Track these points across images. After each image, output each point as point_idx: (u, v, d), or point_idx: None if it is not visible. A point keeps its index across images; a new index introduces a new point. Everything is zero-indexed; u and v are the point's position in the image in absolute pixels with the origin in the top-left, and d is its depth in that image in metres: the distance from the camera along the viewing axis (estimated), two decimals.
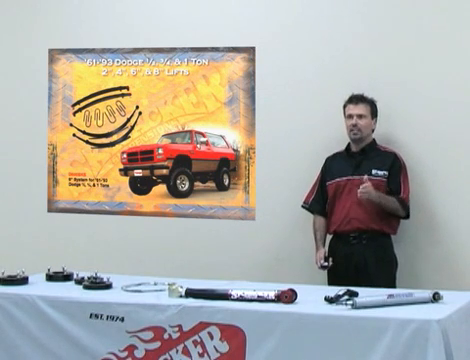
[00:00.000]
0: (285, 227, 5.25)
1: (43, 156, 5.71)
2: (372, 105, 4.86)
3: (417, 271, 4.98)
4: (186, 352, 3.66)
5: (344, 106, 4.88)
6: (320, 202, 4.94)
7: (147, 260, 5.44)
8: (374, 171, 4.78)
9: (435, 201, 4.98)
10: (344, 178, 4.84)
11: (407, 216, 4.82)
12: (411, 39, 5.02)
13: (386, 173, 4.78)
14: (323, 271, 4.80)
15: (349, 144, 4.92)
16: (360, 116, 4.80)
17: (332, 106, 4.99)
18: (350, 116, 4.82)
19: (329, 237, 4.94)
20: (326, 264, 4.71)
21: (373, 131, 4.91)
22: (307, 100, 5.21)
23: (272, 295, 3.65)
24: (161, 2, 5.55)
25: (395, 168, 4.80)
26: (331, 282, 4.73)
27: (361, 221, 4.74)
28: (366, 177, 4.64)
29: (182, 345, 3.66)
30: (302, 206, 5.02)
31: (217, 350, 3.62)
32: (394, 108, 5.02)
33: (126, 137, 5.59)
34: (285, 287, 3.69)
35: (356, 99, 4.84)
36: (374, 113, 4.88)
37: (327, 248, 4.88)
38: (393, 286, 4.65)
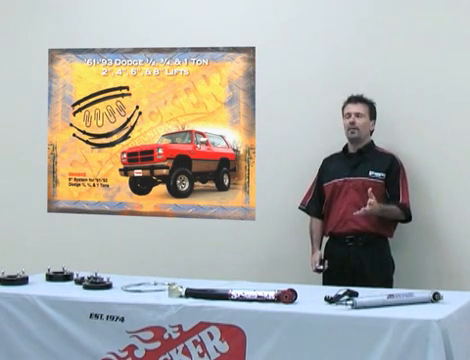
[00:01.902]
0: (285, 227, 5.24)
1: (43, 156, 5.71)
2: (371, 106, 4.86)
3: (416, 272, 4.97)
4: (186, 352, 3.66)
5: (343, 107, 4.88)
6: (317, 204, 4.93)
7: (147, 260, 5.44)
8: (371, 172, 4.76)
9: (434, 202, 4.98)
10: (341, 179, 4.82)
11: (408, 219, 4.81)
12: (411, 40, 5.03)
13: (383, 175, 4.76)
14: (319, 274, 4.79)
15: (346, 145, 4.91)
16: (358, 114, 4.79)
17: (332, 106, 4.99)
18: (348, 114, 4.81)
19: (325, 239, 4.93)
20: (321, 267, 4.70)
21: (371, 133, 4.90)
22: (307, 100, 5.21)
23: (272, 295, 3.65)
24: (161, 2, 5.55)
25: (393, 171, 4.78)
26: (326, 284, 4.69)
27: (357, 223, 4.72)
28: (370, 190, 4.55)
29: (182, 345, 3.66)
30: (299, 208, 5.01)
31: (217, 350, 3.61)
32: (394, 110, 5.02)
33: (126, 137, 5.60)
34: (285, 287, 3.69)
35: (355, 99, 4.83)
36: (373, 114, 4.87)
37: (323, 250, 4.87)
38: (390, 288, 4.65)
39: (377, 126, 4.90)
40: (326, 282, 4.74)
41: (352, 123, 4.79)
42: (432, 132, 4.99)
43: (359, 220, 4.71)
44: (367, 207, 4.56)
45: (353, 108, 4.81)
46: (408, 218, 4.80)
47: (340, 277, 4.61)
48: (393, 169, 4.79)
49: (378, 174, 4.76)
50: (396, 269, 4.82)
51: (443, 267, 4.96)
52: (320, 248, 4.87)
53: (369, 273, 4.66)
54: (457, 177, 4.96)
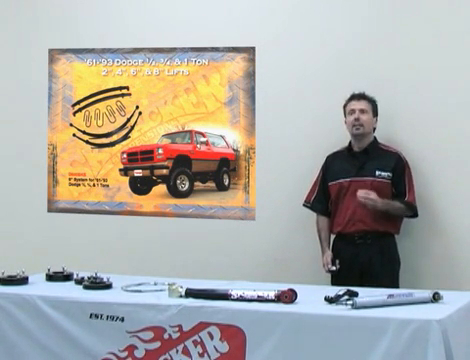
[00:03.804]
0: (285, 227, 5.24)
1: (43, 156, 5.71)
2: (373, 103, 4.86)
3: (419, 271, 4.97)
4: (186, 352, 3.66)
5: (344, 105, 4.87)
6: (322, 202, 4.93)
7: (147, 260, 5.44)
8: (378, 172, 4.77)
9: (437, 201, 4.98)
10: (347, 179, 4.81)
11: (415, 216, 4.82)
12: (411, 38, 5.03)
13: (390, 174, 4.77)
14: (329, 273, 4.78)
15: (350, 143, 4.91)
16: (362, 111, 4.79)
17: (332, 106, 4.99)
18: (352, 111, 4.80)
19: (332, 236, 4.92)
20: (334, 268, 4.68)
21: (374, 130, 4.90)
22: (307, 100, 5.21)
23: (272, 295, 3.65)
24: (161, 2, 5.55)
25: (399, 169, 4.79)
26: (335, 282, 4.70)
27: (366, 223, 4.72)
28: (373, 193, 4.65)
29: (182, 345, 3.66)
30: (304, 205, 5.00)
31: (217, 350, 3.61)
32: (395, 108, 5.02)
33: (126, 137, 5.60)
34: (285, 287, 3.69)
35: (358, 96, 4.84)
36: (375, 111, 4.87)
37: (331, 248, 4.86)
38: (396, 286, 4.65)
39: (379, 123, 4.90)
40: (334, 280, 4.74)
41: (357, 119, 4.78)
42: (434, 128, 4.98)
43: (367, 220, 4.72)
44: (365, 196, 4.61)
45: (357, 105, 4.80)
46: (415, 214, 4.82)
47: (348, 275, 4.63)
48: (399, 168, 4.80)
49: (385, 173, 4.77)
50: (401, 267, 4.82)
51: (443, 267, 4.96)
52: (329, 247, 4.86)
53: (378, 270, 4.68)
54: (458, 174, 4.95)
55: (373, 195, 4.63)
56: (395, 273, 4.78)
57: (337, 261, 4.70)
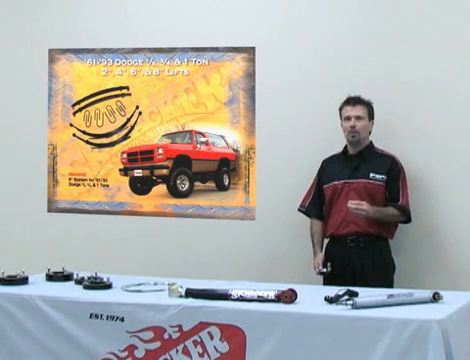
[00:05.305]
0: (285, 227, 5.24)
1: (43, 156, 5.71)
2: (369, 107, 4.84)
3: (417, 272, 4.97)
4: (186, 352, 3.66)
5: (340, 108, 4.86)
6: (317, 205, 4.92)
7: (147, 260, 5.44)
8: (372, 175, 4.75)
9: (433, 203, 4.98)
10: (341, 181, 4.80)
11: (408, 221, 4.81)
12: (411, 40, 5.03)
13: (384, 177, 4.76)
14: (320, 276, 4.78)
15: (346, 146, 4.90)
16: (358, 118, 4.78)
17: (332, 106, 4.98)
18: (348, 118, 4.79)
19: (326, 240, 4.92)
20: (324, 270, 4.69)
21: (370, 133, 4.89)
22: (307, 100, 5.21)
23: (272, 295, 3.65)
24: (161, 2, 5.55)
25: (393, 173, 4.78)
26: (327, 285, 4.69)
27: (358, 225, 4.71)
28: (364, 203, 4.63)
29: (182, 345, 3.66)
30: (299, 210, 5.00)
31: (217, 350, 3.61)
32: (393, 110, 5.02)
33: (126, 137, 5.60)
34: (285, 287, 3.69)
35: (353, 101, 4.81)
36: (371, 115, 4.85)
37: (324, 251, 4.86)
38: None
39: (375, 126, 4.90)
40: (327, 283, 4.72)
41: (352, 127, 4.77)
42: (430, 132, 4.98)
43: (360, 222, 4.70)
44: (362, 212, 4.59)
45: (352, 111, 4.79)
46: (408, 219, 4.80)
47: (341, 278, 4.61)
48: (393, 171, 4.79)
49: (379, 176, 4.76)
50: (396, 270, 4.82)
51: (443, 267, 4.96)
52: (322, 250, 4.86)
53: (370, 274, 4.66)
54: (455, 177, 4.95)
55: (365, 205, 4.61)
56: (388, 277, 4.75)
57: (328, 264, 4.70)
